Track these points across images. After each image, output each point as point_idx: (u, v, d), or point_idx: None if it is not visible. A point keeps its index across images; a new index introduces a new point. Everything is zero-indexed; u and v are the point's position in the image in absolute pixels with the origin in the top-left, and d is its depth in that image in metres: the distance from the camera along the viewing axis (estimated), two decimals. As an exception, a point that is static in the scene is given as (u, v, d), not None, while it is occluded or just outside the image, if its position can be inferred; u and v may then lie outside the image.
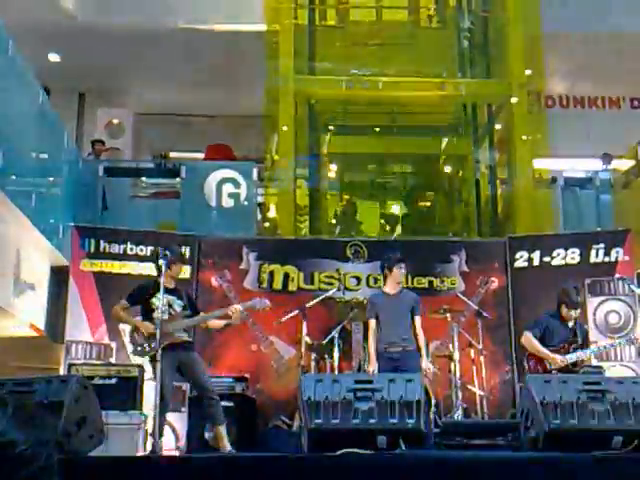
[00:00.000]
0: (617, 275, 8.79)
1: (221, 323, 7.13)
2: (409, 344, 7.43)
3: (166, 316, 6.79)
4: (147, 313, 6.86)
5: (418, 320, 7.58)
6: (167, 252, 6.89)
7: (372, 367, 7.36)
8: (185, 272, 7.07)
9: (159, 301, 6.71)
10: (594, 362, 8.30)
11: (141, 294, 6.93)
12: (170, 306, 6.90)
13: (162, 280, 6.60)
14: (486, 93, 12.60)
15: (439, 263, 9.70)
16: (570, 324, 7.21)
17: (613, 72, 14.14)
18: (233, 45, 12.87)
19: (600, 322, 8.81)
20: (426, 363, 7.52)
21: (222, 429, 6.80)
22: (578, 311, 7.24)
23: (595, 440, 5.11)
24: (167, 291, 6.85)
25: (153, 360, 6.58)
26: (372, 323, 7.56)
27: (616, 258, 9.35)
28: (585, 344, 7.22)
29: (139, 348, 6.83)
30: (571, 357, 7.03)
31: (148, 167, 12.06)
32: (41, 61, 13.01)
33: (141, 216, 10.61)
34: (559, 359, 7.01)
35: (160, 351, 6.54)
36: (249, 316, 7.52)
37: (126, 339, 7.16)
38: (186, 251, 9.34)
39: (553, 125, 12.59)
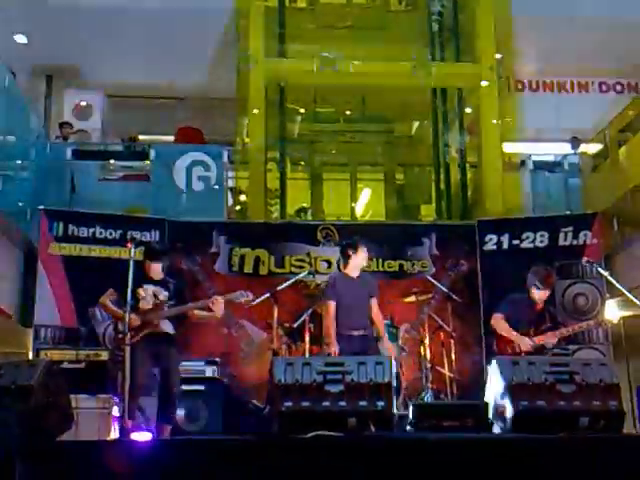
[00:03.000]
0: (585, 258, 8.87)
1: (200, 314, 7.12)
2: (369, 328, 7.41)
3: (150, 306, 6.89)
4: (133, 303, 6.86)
5: (374, 303, 7.49)
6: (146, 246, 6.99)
7: (334, 348, 7.20)
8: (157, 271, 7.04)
9: (145, 291, 6.87)
10: (562, 344, 8.40)
11: (127, 285, 6.89)
12: (155, 296, 6.95)
13: (131, 267, 6.56)
14: (456, 76, 12.61)
15: (410, 246, 9.75)
16: (539, 306, 7.26)
17: (582, 56, 14.21)
18: (203, 27, 12.75)
19: (568, 305, 8.93)
20: (387, 343, 7.47)
21: (168, 429, 6.84)
22: (547, 293, 7.28)
23: (562, 421, 5.17)
24: (154, 282, 6.98)
25: (132, 347, 6.58)
26: (333, 305, 7.36)
27: (584, 241, 9.46)
28: (554, 326, 7.26)
29: (120, 335, 6.85)
30: (539, 339, 7.08)
31: (117, 150, 11.97)
32: (7, 43, 12.84)
33: (110, 199, 10.51)
34: (528, 342, 7.06)
35: (137, 337, 6.62)
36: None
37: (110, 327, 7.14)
38: (156, 234, 9.31)
39: (522, 109, 12.64)
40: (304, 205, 13.03)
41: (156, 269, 7.08)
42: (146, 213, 9.97)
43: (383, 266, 9.56)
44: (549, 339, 7.11)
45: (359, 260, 7.53)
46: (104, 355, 7.40)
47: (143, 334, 6.75)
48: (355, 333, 7.34)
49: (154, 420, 7.14)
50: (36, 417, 4.84)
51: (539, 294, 7.21)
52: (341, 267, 7.72)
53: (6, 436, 4.57)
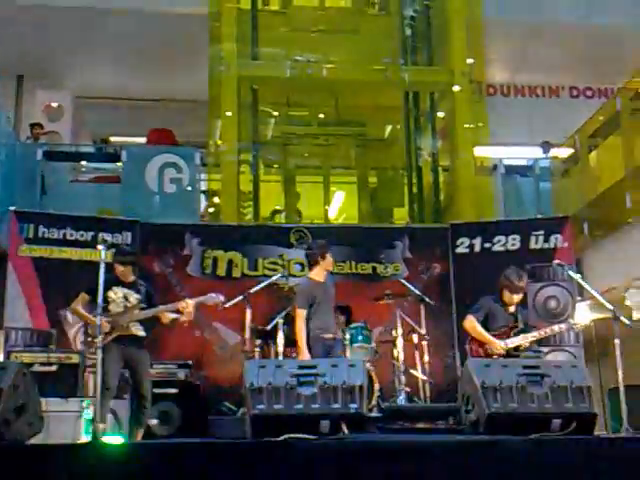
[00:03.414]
0: (556, 261, 8.94)
1: (170, 317, 7.10)
2: (337, 332, 7.58)
3: (121, 309, 6.87)
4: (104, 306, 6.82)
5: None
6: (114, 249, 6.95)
7: (304, 357, 7.26)
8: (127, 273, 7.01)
9: (116, 294, 6.86)
10: (534, 346, 8.45)
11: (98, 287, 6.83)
12: (126, 299, 6.92)
13: (102, 270, 6.50)
14: (429, 81, 12.68)
15: (383, 249, 9.78)
16: (511, 309, 7.29)
17: (553, 61, 14.34)
18: (175, 28, 12.70)
19: (539, 307, 8.99)
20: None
21: (139, 432, 6.83)
22: (520, 296, 7.32)
23: (534, 423, 5.20)
24: (125, 285, 6.98)
25: (103, 350, 6.54)
26: (304, 312, 7.44)
27: (555, 244, 9.54)
28: (526, 329, 7.31)
29: (89, 339, 6.81)
30: (512, 342, 7.11)
31: (88, 151, 11.90)
32: (-23, 43, 12.72)
33: (81, 201, 10.45)
34: (500, 344, 7.09)
35: (108, 340, 6.61)
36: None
37: (80, 330, 7.08)
38: (127, 236, 9.25)
39: (494, 113, 12.73)
40: (277, 207, 13.02)
41: (126, 272, 7.04)
42: (117, 215, 9.90)
43: (356, 269, 9.59)
44: (521, 342, 7.15)
45: (326, 265, 7.64)
46: (75, 358, 7.32)
47: (114, 337, 6.73)
48: (327, 336, 7.42)
49: (126, 423, 7.09)
50: (6, 420, 4.78)
51: (511, 297, 7.25)
52: (309, 272, 7.78)
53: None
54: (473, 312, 7.33)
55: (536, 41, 13.74)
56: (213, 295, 7.23)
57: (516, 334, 7.16)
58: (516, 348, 7.11)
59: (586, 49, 13.85)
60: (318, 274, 7.62)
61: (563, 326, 7.64)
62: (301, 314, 7.46)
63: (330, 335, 7.46)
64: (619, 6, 13.31)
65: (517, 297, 7.27)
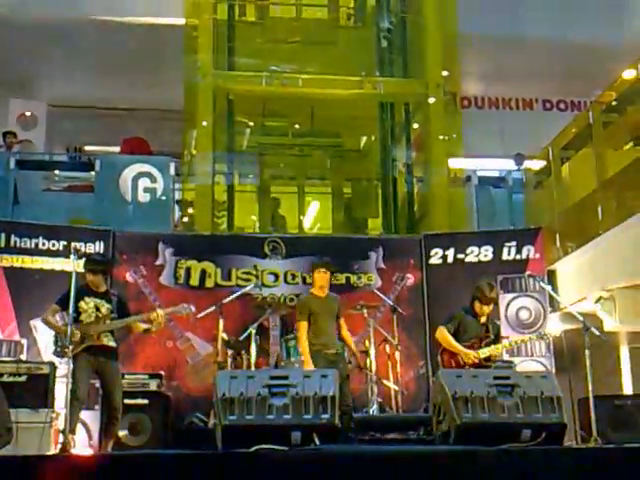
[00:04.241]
0: (528, 272, 9.01)
1: (142, 327, 7.07)
2: (340, 347, 7.67)
3: (92, 319, 6.83)
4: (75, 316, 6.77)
5: (343, 322, 7.89)
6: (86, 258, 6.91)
7: (309, 366, 7.38)
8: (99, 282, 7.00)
9: (87, 304, 6.82)
10: (505, 357, 8.51)
11: (69, 297, 6.77)
12: (98, 309, 6.87)
13: (73, 279, 6.46)
14: (404, 92, 12.73)
15: (356, 260, 9.78)
16: (483, 320, 7.33)
17: (526, 74, 14.48)
18: (151, 38, 12.71)
19: (511, 318, 9.03)
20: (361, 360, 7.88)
21: (110, 443, 6.78)
22: (491, 307, 7.37)
23: (505, 433, 5.25)
24: (96, 294, 6.95)
25: (73, 360, 6.49)
26: (305, 325, 7.63)
27: (527, 256, 9.59)
28: (497, 339, 7.35)
29: (58, 349, 6.76)
30: (483, 352, 7.15)
31: (62, 160, 11.85)
32: (-49, 50, 12.64)
33: (54, 210, 10.38)
34: (472, 354, 7.12)
35: (79, 350, 6.59)
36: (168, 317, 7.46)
37: (51, 340, 7.01)
38: (100, 246, 9.20)
39: (468, 125, 12.81)
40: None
41: (97, 281, 7.00)
42: (91, 224, 9.83)
43: (330, 279, 9.58)
44: (492, 352, 7.19)
45: (316, 281, 7.82)
46: (45, 368, 7.24)
47: (84, 347, 6.69)
48: (329, 351, 7.55)
49: (96, 434, 7.05)
50: (-26, 432, 4.74)
51: (482, 308, 7.29)
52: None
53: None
54: (445, 323, 7.37)
55: (510, 54, 13.87)
56: (185, 306, 7.23)
57: (487, 345, 7.20)
58: (487, 359, 7.15)
59: (559, 62, 14.00)
60: (317, 290, 7.82)
61: (534, 337, 7.69)
62: (300, 326, 7.65)
63: (332, 351, 7.58)
64: (592, 21, 13.49)
65: (488, 308, 7.32)
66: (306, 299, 7.94)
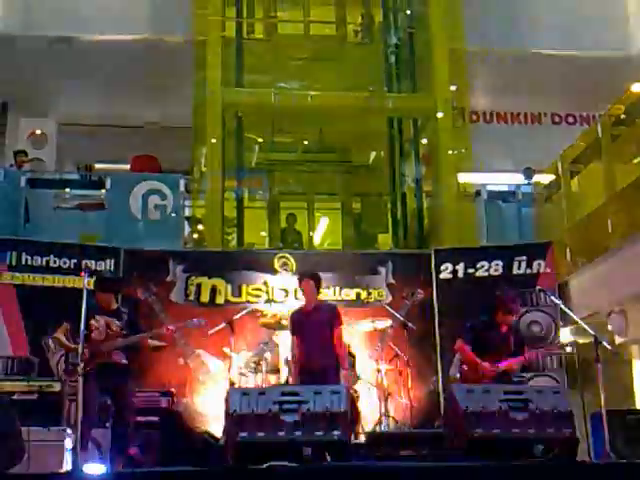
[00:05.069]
0: (538, 287, 8.99)
1: (153, 344, 7.10)
2: (327, 359, 7.46)
3: (103, 336, 6.87)
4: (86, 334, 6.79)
5: (337, 331, 7.64)
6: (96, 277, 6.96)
7: (295, 381, 7.45)
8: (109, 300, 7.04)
9: (97, 322, 6.85)
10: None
11: (80, 315, 6.79)
12: (108, 327, 6.90)
13: (84, 298, 6.49)
14: (412, 108, 12.77)
15: (366, 275, 9.77)
16: (504, 330, 7.28)
17: (535, 88, 14.47)
18: (160, 56, 12.77)
19: (523, 332, 8.99)
20: (345, 374, 7.53)
21: (121, 461, 6.80)
22: (513, 317, 7.34)
23: (517, 448, 5.22)
24: (107, 312, 6.99)
25: (84, 378, 6.51)
26: (292, 339, 7.72)
27: (538, 270, 9.57)
28: (520, 351, 7.28)
29: (69, 367, 6.79)
30: (501, 365, 7.10)
31: (72, 178, 11.87)
32: (-38, 70, 12.73)
33: (65, 228, 10.41)
34: (488, 367, 7.07)
35: (90, 368, 6.58)
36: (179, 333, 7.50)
37: (62, 359, 7.05)
38: (111, 263, 9.22)
39: (477, 140, 12.81)
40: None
41: (107, 299, 7.03)
42: (101, 242, 9.87)
43: (340, 294, 9.57)
44: (514, 364, 7.14)
45: (303, 292, 7.82)
46: (56, 386, 7.28)
47: (95, 365, 6.69)
48: (313, 365, 7.44)
49: (108, 452, 7.04)
50: (-14, 450, 4.74)
51: (505, 318, 7.24)
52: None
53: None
54: (464, 335, 7.36)
55: (518, 68, 13.87)
56: (195, 321, 7.25)
57: (508, 357, 7.14)
58: (505, 371, 7.10)
59: (568, 76, 13.99)
60: (304, 304, 7.81)
61: (555, 350, 7.62)
62: (290, 341, 7.73)
63: (316, 364, 7.42)
64: (600, 34, 13.49)
65: (510, 319, 7.28)
66: (291, 314, 7.94)
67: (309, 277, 7.78)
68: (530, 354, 7.49)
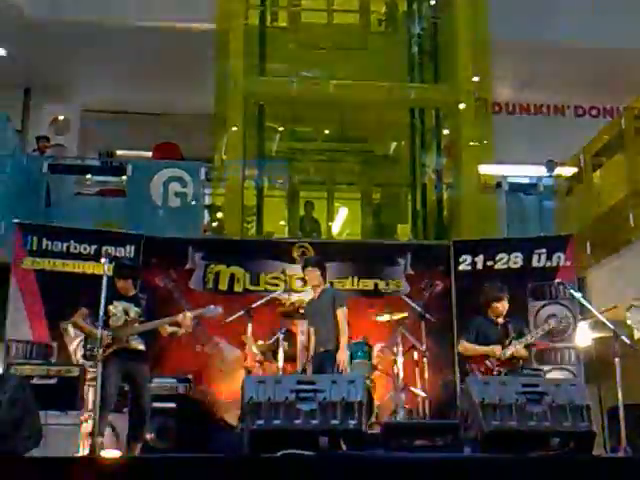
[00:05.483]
0: (558, 280, 8.93)
1: (170, 330, 7.13)
2: (328, 344, 7.54)
3: (121, 322, 6.91)
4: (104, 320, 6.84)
5: (338, 313, 7.63)
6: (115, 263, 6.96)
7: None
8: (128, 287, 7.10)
9: (116, 308, 6.91)
10: (534, 365, 8.45)
11: (99, 301, 6.81)
12: (126, 313, 6.94)
13: (104, 283, 6.53)
14: (434, 98, 12.72)
15: (385, 265, 9.75)
16: (500, 320, 7.28)
17: (559, 80, 14.38)
18: (183, 43, 12.77)
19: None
20: (342, 355, 7.48)
21: (137, 447, 6.84)
22: (504, 304, 7.31)
23: (533, 441, 5.21)
24: (125, 298, 7.05)
25: (102, 364, 6.55)
26: (304, 326, 7.94)
27: (558, 263, 9.50)
28: (518, 336, 7.25)
29: (88, 353, 6.84)
30: (506, 352, 7.09)
31: (94, 164, 11.94)
32: (-14, 55, 12.83)
33: (85, 214, 10.47)
34: (497, 350, 7.07)
35: (108, 354, 6.67)
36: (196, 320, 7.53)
37: (80, 344, 7.11)
38: (131, 250, 9.27)
39: (499, 131, 12.75)
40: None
41: (126, 285, 7.07)
42: (121, 228, 9.91)
43: (358, 284, 9.57)
44: (516, 348, 7.12)
45: (309, 281, 7.93)
46: (75, 371, 7.32)
47: (113, 351, 6.75)
48: (318, 350, 7.60)
49: (124, 437, 7.09)
50: (5, 433, 4.79)
51: (495, 307, 7.26)
52: None
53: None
54: (464, 335, 7.41)
55: (542, 60, 13.78)
56: (212, 307, 7.26)
57: (510, 343, 7.14)
58: (513, 357, 7.09)
59: (592, 68, 13.89)
60: (313, 290, 7.90)
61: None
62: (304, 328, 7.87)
63: (321, 349, 7.59)
64: (625, 26, 13.35)
65: (501, 305, 7.28)
66: (306, 303, 8.15)
67: (313, 265, 7.86)
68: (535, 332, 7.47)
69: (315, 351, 7.58)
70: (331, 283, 9.35)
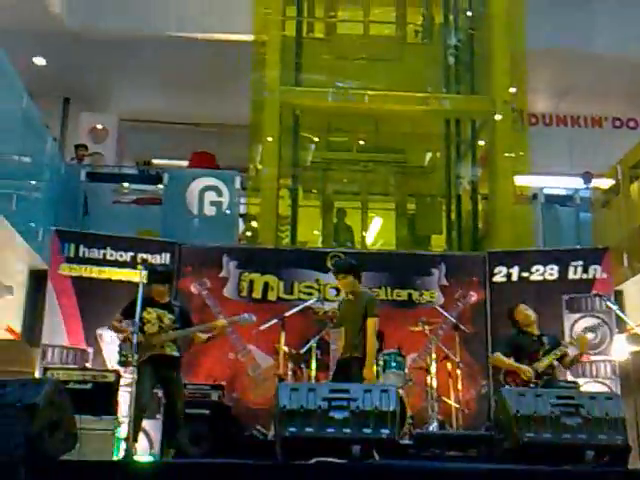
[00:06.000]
0: (594, 291, 8.84)
1: (204, 337, 7.18)
2: (354, 351, 7.10)
3: (155, 329, 6.96)
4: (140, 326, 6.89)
5: (368, 322, 7.14)
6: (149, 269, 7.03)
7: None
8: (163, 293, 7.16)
9: (150, 314, 6.96)
10: (570, 377, 8.36)
11: (134, 308, 6.86)
12: (160, 320, 6.99)
13: (140, 290, 6.60)
14: (470, 109, 12.66)
15: (419, 276, 9.74)
16: (535, 332, 7.25)
17: (596, 91, 14.28)
18: (220, 54, 12.91)
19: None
20: (367, 372, 7.00)
21: (171, 452, 6.88)
22: (532, 315, 7.31)
23: (568, 454, 5.15)
24: (159, 305, 7.10)
25: (137, 370, 6.61)
26: (338, 331, 7.48)
27: (594, 275, 9.41)
28: (553, 349, 7.19)
29: (123, 359, 6.90)
30: (539, 365, 7.04)
31: (131, 173, 12.07)
32: (26, 64, 13.01)
33: (122, 222, 10.58)
34: (527, 370, 7.01)
35: (142, 360, 6.73)
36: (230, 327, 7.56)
37: (116, 349, 7.16)
38: (166, 258, 9.35)
39: (536, 142, 12.67)
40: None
41: (161, 292, 7.12)
42: (157, 236, 10.00)
43: (392, 295, 9.56)
44: (549, 361, 7.06)
45: (342, 288, 7.68)
46: (110, 377, 7.40)
47: (148, 357, 6.80)
48: (341, 357, 7.22)
49: (158, 443, 7.14)
50: (40, 436, 4.84)
51: (526, 314, 7.28)
52: None
53: (11, 454, 4.56)
54: (498, 348, 7.35)
55: (579, 71, 13.71)
56: (246, 316, 7.29)
57: (544, 355, 7.09)
58: (545, 371, 7.03)
59: (629, 80, 13.78)
60: (345, 295, 7.59)
61: (571, 340, 7.50)
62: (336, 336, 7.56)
63: (345, 355, 7.18)
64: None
65: (531, 313, 7.25)
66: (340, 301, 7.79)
67: (345, 272, 7.42)
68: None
69: (341, 355, 7.20)
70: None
